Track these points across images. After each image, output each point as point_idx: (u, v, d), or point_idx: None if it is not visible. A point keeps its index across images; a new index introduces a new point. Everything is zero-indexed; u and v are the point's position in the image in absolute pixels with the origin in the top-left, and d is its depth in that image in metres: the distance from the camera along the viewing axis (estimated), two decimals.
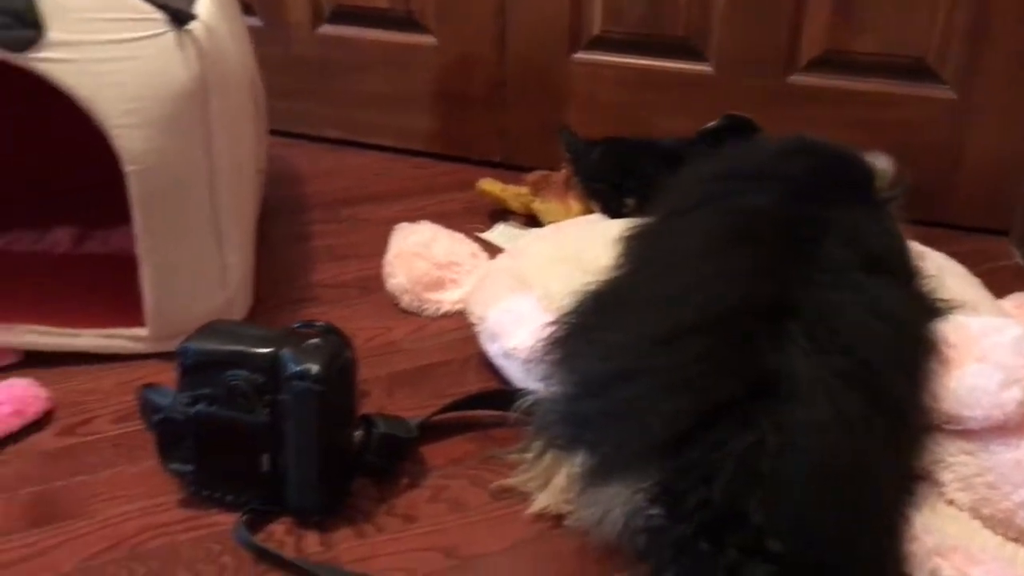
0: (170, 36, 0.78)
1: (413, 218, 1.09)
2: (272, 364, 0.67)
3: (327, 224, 1.21)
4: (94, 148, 0.95)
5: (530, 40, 1.29)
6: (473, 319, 0.91)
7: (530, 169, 1.21)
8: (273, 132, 1.26)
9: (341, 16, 1.38)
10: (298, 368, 0.66)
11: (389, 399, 0.86)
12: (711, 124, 1.10)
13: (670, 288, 0.71)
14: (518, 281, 0.89)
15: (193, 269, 0.86)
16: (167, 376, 0.76)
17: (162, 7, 0.77)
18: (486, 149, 1.37)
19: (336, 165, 1.39)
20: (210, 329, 0.69)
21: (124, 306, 0.88)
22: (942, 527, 0.62)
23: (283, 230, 1.18)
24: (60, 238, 1.05)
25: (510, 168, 1.33)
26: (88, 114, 0.77)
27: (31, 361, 0.88)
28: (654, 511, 0.55)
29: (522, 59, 1.30)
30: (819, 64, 1.17)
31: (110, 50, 0.75)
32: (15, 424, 0.79)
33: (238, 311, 0.91)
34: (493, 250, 1.09)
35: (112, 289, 0.92)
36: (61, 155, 1.10)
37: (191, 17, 0.78)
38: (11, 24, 0.73)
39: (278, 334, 0.69)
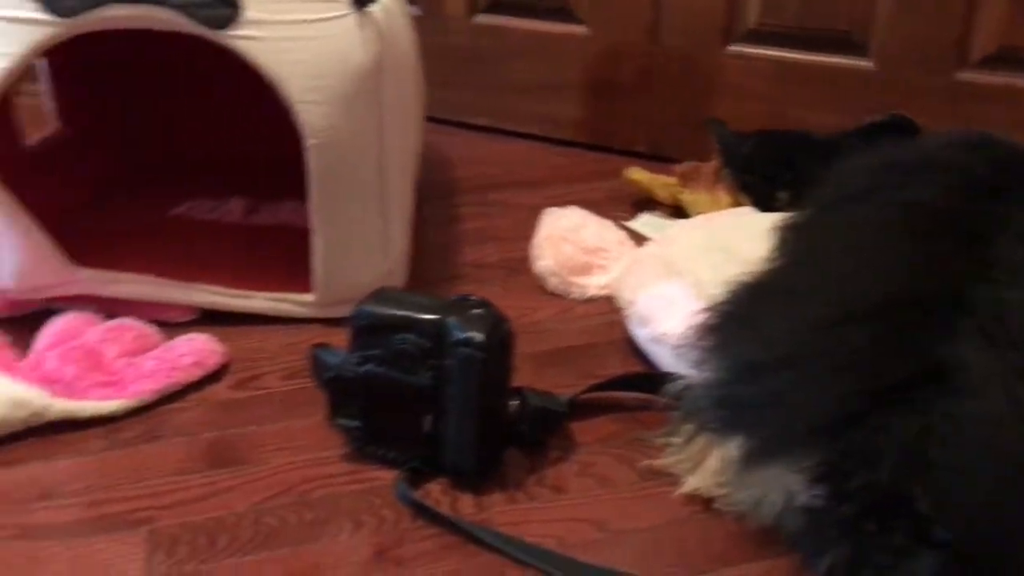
0: (352, 17, 0.82)
1: (558, 205, 1.11)
2: (438, 331, 0.70)
3: (475, 208, 1.25)
4: (264, 126, 1.02)
5: (683, 31, 1.29)
6: (622, 303, 0.92)
7: (675, 160, 1.21)
8: (428, 119, 1.30)
9: (496, 6, 1.41)
10: (463, 335, 0.69)
11: (537, 377, 0.88)
12: (872, 119, 1.07)
13: (831, 278, 0.70)
14: (668, 268, 0.90)
15: (360, 241, 0.90)
16: (328, 339, 0.81)
17: None
18: (631, 139, 1.38)
19: (485, 152, 1.42)
20: (381, 294, 0.73)
21: (292, 273, 0.94)
22: None
23: (435, 212, 1.23)
24: (234, 208, 1.12)
25: (654, 159, 1.33)
26: (274, 90, 0.82)
27: (208, 319, 0.94)
28: (816, 492, 0.55)
29: (674, 50, 1.31)
30: (993, 61, 1.12)
31: (298, 29, 0.80)
32: (196, 374, 0.86)
33: (396, 283, 0.96)
34: (638, 239, 1.10)
35: (281, 257, 0.98)
36: (236, 131, 1.18)
37: (372, 0, 0.83)
38: (213, 3, 0.79)
39: (443, 303, 0.72)
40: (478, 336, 0.69)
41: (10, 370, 0.82)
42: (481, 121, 1.48)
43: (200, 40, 0.81)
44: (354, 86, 0.82)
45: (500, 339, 0.71)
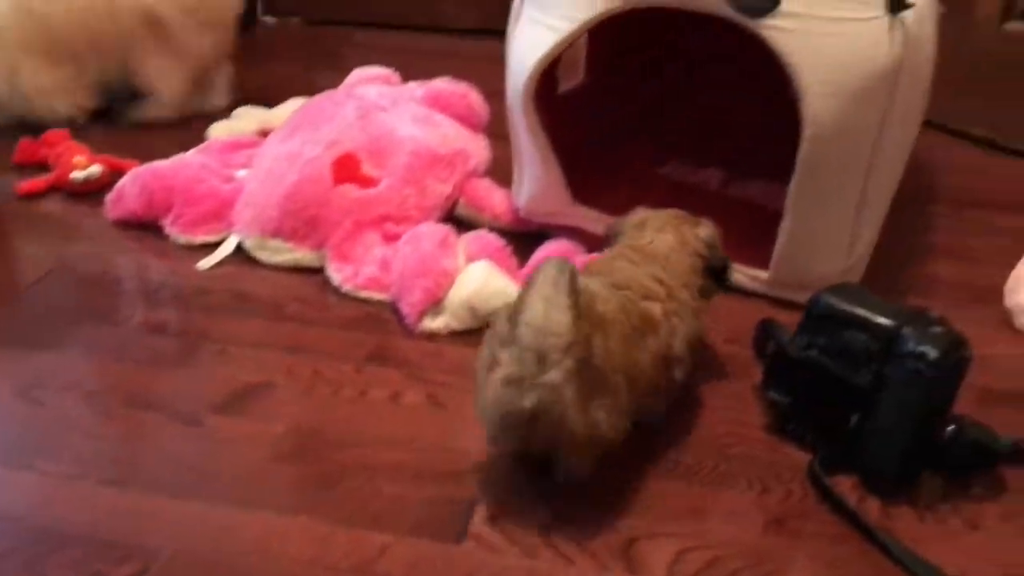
0: (884, 21, 0.84)
1: None
2: (890, 337, 0.72)
3: (949, 221, 1.20)
4: (752, 106, 1.08)
5: None
6: None
7: None
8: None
9: None
10: (916, 349, 0.70)
11: (981, 412, 0.83)
12: None
13: None
14: None
15: (828, 234, 0.94)
16: (770, 315, 0.86)
17: None
18: None
19: (971, 165, 1.35)
20: (843, 289, 0.77)
21: (751, 247, 1.00)
22: None
23: (903, 219, 1.20)
24: (711, 177, 1.21)
25: None
26: (788, 79, 0.87)
27: None
28: None
29: None
30: None
31: (828, 26, 0.85)
32: None
33: (852, 280, 0.97)
34: None
35: (744, 231, 1.05)
36: (724, 105, 1.26)
37: (909, 6, 0.84)
38: None
39: (903, 312, 0.74)
40: (932, 354, 0.70)
41: (512, 275, 1.00)
42: (975, 131, 1.39)
43: (724, 23, 0.89)
44: (868, 87, 0.85)
45: (955, 362, 0.71)
